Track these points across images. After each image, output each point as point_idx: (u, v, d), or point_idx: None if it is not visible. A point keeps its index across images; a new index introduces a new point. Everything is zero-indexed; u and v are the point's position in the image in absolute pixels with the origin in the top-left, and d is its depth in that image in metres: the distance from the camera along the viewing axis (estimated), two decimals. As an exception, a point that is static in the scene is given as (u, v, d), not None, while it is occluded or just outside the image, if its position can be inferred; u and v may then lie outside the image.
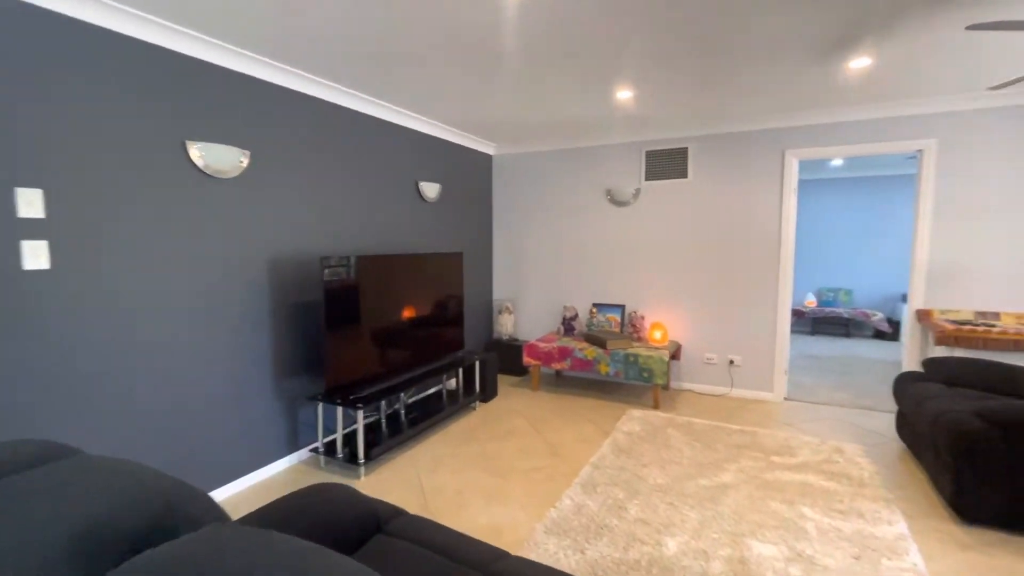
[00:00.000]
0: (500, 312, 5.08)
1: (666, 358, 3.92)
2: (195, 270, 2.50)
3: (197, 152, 2.46)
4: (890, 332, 6.66)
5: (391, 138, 3.77)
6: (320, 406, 3.03)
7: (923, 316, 3.65)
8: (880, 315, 6.69)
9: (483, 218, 5.09)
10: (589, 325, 4.72)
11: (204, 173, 2.51)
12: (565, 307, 4.83)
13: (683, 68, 2.87)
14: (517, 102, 3.53)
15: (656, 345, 4.25)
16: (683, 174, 4.34)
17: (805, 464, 2.96)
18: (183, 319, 2.46)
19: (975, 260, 3.54)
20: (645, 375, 3.97)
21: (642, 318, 4.53)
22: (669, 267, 4.47)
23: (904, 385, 3.16)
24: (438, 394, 4.02)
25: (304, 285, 3.09)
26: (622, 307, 4.66)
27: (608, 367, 4.10)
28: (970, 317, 3.52)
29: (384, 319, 3.27)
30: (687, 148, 4.30)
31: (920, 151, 3.60)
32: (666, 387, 4.47)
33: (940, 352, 3.43)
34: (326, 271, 2.84)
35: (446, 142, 4.43)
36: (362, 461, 2.86)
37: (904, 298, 6.63)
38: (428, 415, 3.51)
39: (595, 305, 4.75)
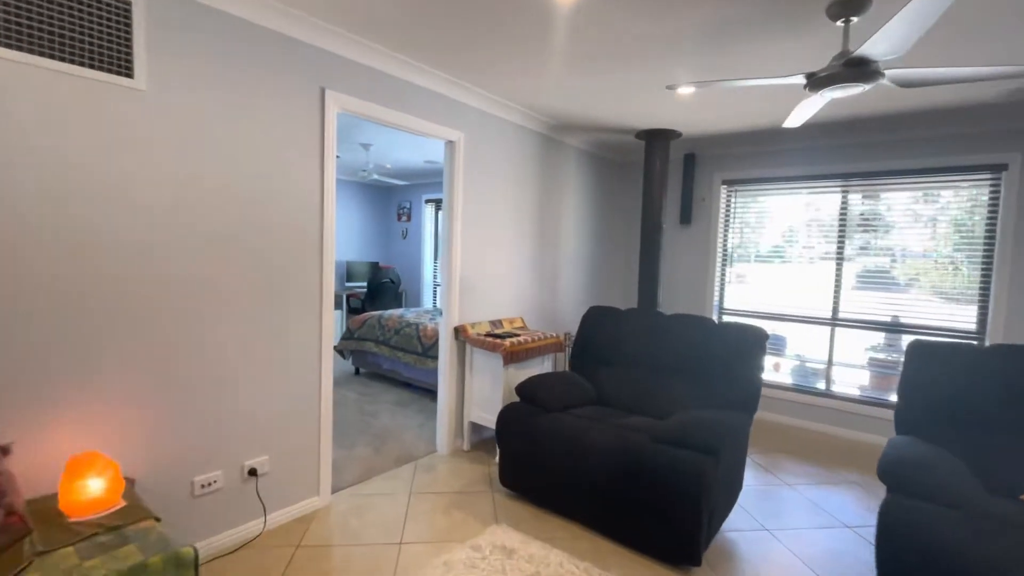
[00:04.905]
0: None
1: (191, 553, 1.44)
2: None
3: None
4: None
5: None
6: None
7: (461, 332, 3.19)
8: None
9: None
10: None
11: None
12: None
13: None
14: None
15: (86, 518, 1.53)
16: (121, 66, 1.76)
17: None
18: None
19: (485, 273, 3.42)
20: (130, 629, 1.30)
21: (6, 453, 1.53)
22: (102, 298, 1.73)
23: (526, 420, 2.56)
24: None
25: None
26: (-94, 439, 1.40)
27: None
28: (488, 328, 3.39)
29: None
30: (131, 7, 1.76)
31: (453, 141, 3.08)
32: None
33: (511, 372, 3.09)
34: None
35: None
36: None
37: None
38: None
39: None
